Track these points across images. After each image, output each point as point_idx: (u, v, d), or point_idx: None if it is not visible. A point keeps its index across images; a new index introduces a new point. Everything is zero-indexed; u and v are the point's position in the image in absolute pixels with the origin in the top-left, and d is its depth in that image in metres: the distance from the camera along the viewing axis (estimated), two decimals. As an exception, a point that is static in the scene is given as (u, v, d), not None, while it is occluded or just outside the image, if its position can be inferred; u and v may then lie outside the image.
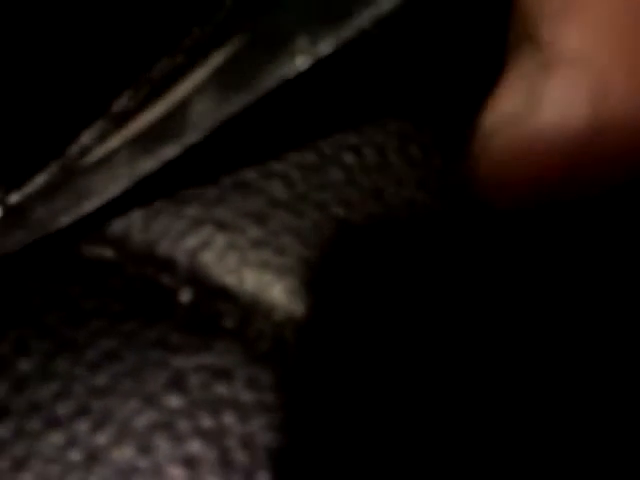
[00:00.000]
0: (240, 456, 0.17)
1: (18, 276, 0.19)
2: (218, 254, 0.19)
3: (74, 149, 0.19)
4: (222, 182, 0.20)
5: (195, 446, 0.17)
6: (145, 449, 0.17)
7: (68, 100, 0.20)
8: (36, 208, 0.19)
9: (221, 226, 0.19)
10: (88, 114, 0.19)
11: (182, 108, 0.19)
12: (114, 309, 0.19)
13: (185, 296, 0.19)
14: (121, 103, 0.19)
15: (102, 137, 0.19)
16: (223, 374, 0.18)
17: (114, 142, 0.19)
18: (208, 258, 0.19)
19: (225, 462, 0.17)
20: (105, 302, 0.19)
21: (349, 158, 0.20)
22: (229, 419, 0.18)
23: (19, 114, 0.20)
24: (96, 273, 0.19)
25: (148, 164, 0.19)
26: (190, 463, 0.17)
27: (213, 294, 0.19)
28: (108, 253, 0.19)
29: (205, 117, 0.18)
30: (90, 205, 0.19)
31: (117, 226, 0.19)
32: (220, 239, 0.19)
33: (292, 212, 0.20)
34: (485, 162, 0.17)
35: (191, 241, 0.19)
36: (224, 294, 0.19)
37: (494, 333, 0.19)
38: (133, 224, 0.19)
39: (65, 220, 0.19)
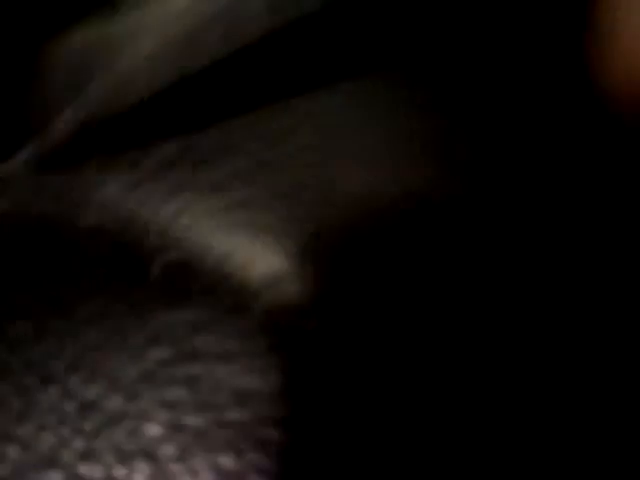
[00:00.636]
0: (218, 398, 0.19)
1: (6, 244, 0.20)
2: (198, 216, 0.20)
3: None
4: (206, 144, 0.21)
5: (176, 392, 0.19)
6: (132, 397, 0.19)
7: None
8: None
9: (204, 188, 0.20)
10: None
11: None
12: (99, 272, 0.20)
13: (166, 257, 0.20)
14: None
15: None
16: (202, 327, 0.19)
17: None
18: (187, 220, 0.20)
19: (203, 403, 0.19)
20: (90, 266, 0.20)
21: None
22: (209, 367, 0.19)
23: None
24: (82, 238, 0.20)
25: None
26: (172, 407, 0.19)
27: (193, 254, 0.20)
28: (91, 219, 0.20)
29: None
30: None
31: (100, 193, 0.21)
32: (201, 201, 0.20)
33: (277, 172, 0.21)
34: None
35: (172, 206, 0.20)
36: (204, 253, 0.20)
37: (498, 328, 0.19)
38: (116, 191, 0.21)
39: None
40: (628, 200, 0.20)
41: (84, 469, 0.18)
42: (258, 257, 0.20)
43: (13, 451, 0.19)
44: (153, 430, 0.19)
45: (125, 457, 0.18)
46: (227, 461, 0.18)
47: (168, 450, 0.18)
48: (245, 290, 0.20)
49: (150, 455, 0.18)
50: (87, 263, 0.20)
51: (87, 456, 0.19)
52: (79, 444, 0.19)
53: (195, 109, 0.21)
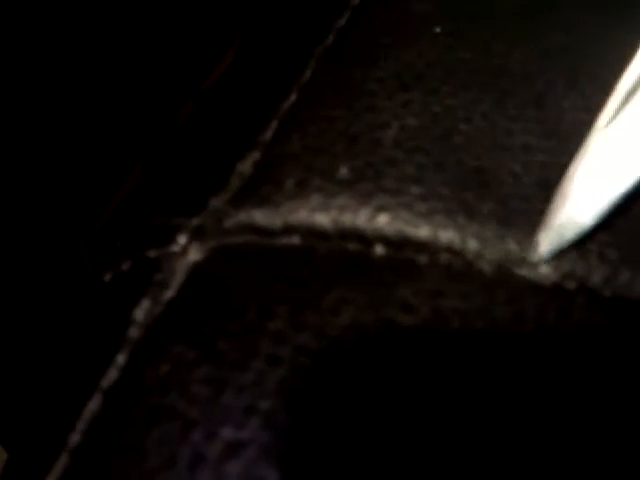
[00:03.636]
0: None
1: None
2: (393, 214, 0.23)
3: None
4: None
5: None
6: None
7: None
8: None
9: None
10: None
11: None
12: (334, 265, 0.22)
13: (379, 250, 0.22)
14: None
15: None
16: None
17: None
18: (385, 219, 0.23)
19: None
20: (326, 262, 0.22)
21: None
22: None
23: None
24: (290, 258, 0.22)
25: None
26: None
27: (400, 244, 0.22)
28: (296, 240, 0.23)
29: None
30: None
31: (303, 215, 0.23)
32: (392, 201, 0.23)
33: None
34: None
35: (367, 210, 0.23)
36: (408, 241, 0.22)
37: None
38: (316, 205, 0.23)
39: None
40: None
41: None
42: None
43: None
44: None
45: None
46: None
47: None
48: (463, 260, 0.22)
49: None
50: (322, 261, 0.22)
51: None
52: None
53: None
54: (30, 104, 0.31)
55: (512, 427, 0.20)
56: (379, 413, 0.20)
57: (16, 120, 0.31)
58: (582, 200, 0.21)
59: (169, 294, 0.22)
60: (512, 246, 0.22)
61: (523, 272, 0.22)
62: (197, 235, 0.23)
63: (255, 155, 0.24)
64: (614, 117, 0.22)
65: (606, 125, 0.22)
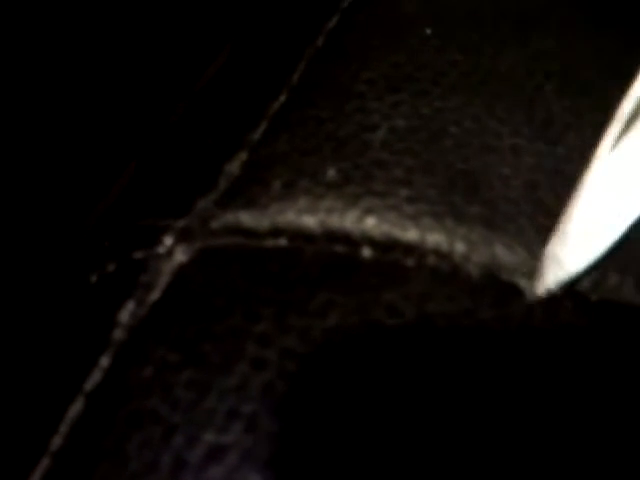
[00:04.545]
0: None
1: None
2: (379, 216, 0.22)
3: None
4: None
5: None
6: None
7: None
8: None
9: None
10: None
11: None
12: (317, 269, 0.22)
13: (366, 253, 0.22)
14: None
15: None
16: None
17: None
18: (372, 221, 0.22)
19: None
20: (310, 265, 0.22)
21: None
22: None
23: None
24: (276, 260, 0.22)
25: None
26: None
27: (387, 246, 0.22)
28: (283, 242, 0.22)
29: None
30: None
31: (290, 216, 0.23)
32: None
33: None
34: None
35: (354, 212, 0.22)
36: (395, 244, 0.22)
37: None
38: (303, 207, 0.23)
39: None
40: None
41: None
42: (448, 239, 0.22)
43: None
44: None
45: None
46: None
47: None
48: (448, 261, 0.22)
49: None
50: (309, 263, 0.22)
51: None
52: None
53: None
54: (22, 103, 0.31)
55: (498, 429, 0.20)
56: (364, 417, 0.20)
57: (7, 119, 0.31)
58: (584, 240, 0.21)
59: (154, 296, 0.22)
60: (499, 250, 0.22)
61: (510, 277, 0.22)
62: (183, 236, 0.23)
63: (243, 156, 0.24)
64: (615, 145, 0.22)
65: (608, 153, 0.22)
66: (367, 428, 0.20)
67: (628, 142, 0.22)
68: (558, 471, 0.19)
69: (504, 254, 0.22)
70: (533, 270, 0.21)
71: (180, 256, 0.23)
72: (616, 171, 0.21)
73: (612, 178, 0.21)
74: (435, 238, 0.22)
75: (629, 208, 0.21)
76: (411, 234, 0.22)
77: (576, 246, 0.21)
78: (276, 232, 0.23)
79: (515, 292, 0.21)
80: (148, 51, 0.32)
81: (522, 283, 0.21)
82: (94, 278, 0.23)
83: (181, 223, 0.23)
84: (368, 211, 0.23)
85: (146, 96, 0.32)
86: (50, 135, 0.32)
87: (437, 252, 0.22)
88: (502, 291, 0.21)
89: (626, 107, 0.22)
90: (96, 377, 0.21)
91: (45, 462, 0.20)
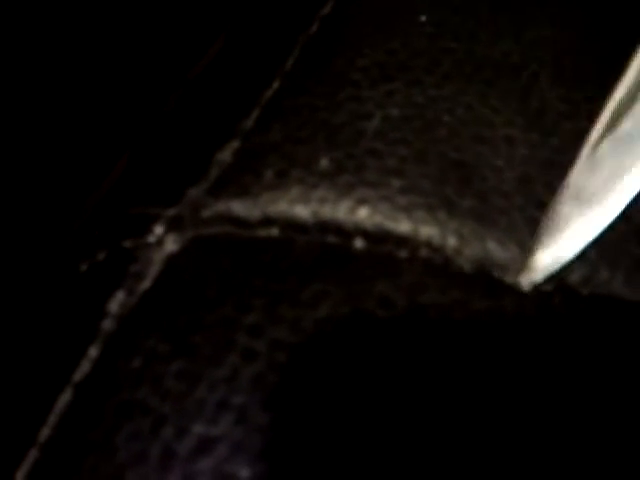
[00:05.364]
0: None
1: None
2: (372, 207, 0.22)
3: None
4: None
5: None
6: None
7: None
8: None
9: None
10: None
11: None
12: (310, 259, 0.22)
13: (359, 244, 0.22)
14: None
15: None
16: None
17: None
18: (365, 212, 0.22)
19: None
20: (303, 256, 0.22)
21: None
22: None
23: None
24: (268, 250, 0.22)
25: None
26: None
27: (380, 238, 0.22)
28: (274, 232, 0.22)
29: None
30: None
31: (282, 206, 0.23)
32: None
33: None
34: None
35: (347, 203, 0.22)
36: (388, 235, 0.22)
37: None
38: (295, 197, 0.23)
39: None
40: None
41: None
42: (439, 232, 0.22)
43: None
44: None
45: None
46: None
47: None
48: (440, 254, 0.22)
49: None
50: (301, 254, 0.22)
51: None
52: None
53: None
54: (14, 94, 0.31)
55: (490, 421, 0.19)
56: (355, 408, 0.20)
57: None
58: (574, 231, 0.21)
59: (144, 285, 0.22)
60: (491, 245, 0.22)
61: (502, 272, 0.21)
62: (174, 225, 0.23)
63: (235, 144, 0.24)
64: (606, 133, 0.22)
65: (596, 144, 0.22)
66: (358, 420, 0.19)
67: (619, 130, 0.21)
68: (549, 464, 0.19)
69: (496, 249, 0.22)
70: (524, 263, 0.21)
71: (171, 245, 0.22)
72: (606, 159, 0.21)
73: (602, 166, 0.21)
74: (427, 231, 0.22)
75: (618, 196, 0.21)
76: (404, 226, 0.22)
77: (565, 234, 0.21)
78: (268, 222, 0.23)
79: (506, 285, 0.21)
80: (141, 40, 0.32)
81: (513, 277, 0.21)
82: (84, 267, 0.23)
83: (172, 212, 0.23)
84: (361, 202, 0.23)
85: (139, 85, 0.32)
86: (42, 125, 0.31)
87: (429, 245, 0.22)
88: (494, 284, 0.21)
89: (618, 94, 0.22)
90: (85, 367, 0.21)
91: (33, 453, 0.20)
